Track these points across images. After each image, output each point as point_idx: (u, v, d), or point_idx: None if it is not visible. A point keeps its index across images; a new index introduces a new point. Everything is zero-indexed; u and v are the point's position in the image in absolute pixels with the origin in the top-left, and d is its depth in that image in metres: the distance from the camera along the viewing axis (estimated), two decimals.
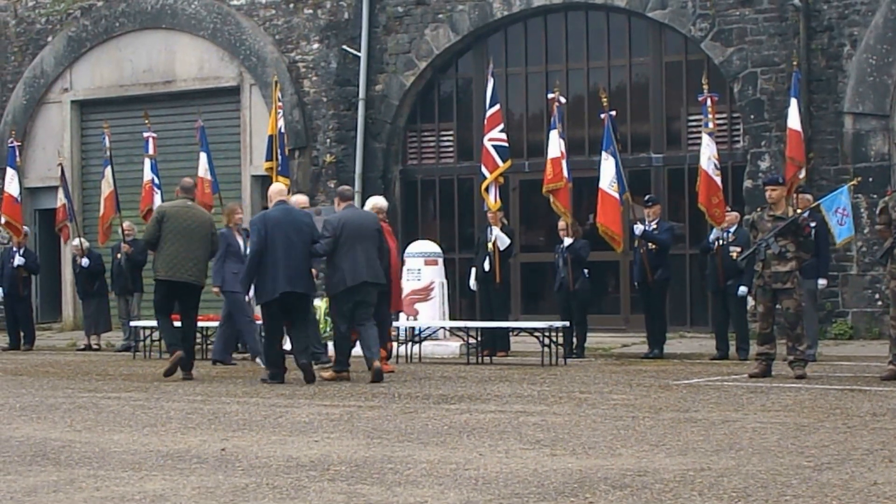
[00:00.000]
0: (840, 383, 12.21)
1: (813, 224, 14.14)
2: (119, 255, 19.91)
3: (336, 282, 13.13)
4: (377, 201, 14.78)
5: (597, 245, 17.75)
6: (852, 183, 15.28)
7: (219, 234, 14.43)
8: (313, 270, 13.62)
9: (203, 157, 19.58)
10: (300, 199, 14.59)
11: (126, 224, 19.99)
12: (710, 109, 16.55)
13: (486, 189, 17.18)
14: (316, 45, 22.38)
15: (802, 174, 16.68)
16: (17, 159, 22.12)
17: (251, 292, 14.15)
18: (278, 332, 13.26)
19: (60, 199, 21.36)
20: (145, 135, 20.12)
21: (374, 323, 13.24)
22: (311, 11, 22.43)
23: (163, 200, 19.68)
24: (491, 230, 16.98)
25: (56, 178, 24.30)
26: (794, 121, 16.69)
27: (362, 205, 17.04)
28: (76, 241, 20.37)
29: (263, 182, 21.84)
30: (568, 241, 16.72)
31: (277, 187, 13.79)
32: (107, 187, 20.28)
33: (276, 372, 13.01)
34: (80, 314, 22.80)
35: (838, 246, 16.07)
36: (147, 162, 19.91)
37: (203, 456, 7.71)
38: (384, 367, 13.37)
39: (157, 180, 19.70)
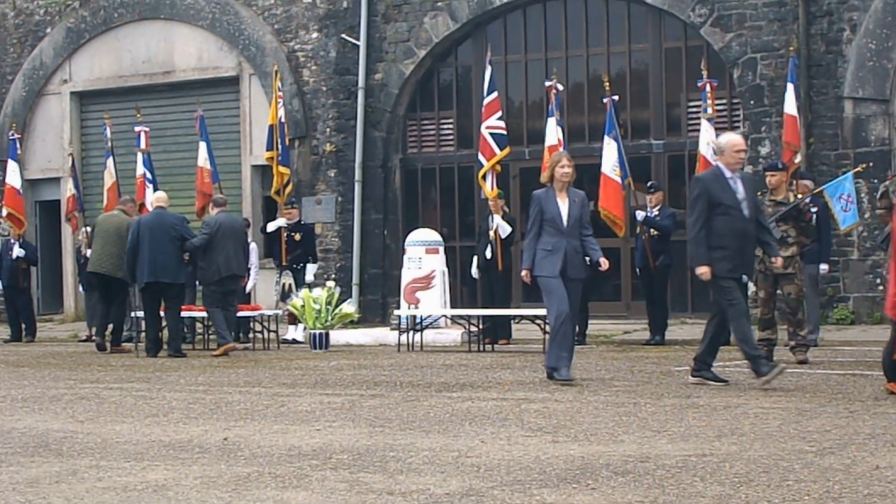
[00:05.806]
0: (842, 368, 12.21)
1: (814, 209, 14.12)
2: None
3: (211, 273, 15.79)
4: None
5: (598, 231, 17.67)
6: (857, 169, 15.24)
7: None
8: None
9: (203, 146, 19.54)
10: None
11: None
12: (709, 95, 16.54)
13: (484, 177, 17.19)
14: (315, 35, 22.35)
15: (798, 158, 16.66)
16: (18, 151, 22.12)
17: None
18: (154, 313, 15.77)
19: (70, 189, 21.32)
20: (136, 129, 20.00)
21: (235, 309, 16.26)
22: (309, 0, 22.39)
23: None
24: (492, 218, 16.97)
25: (55, 169, 24.31)
26: (790, 106, 16.67)
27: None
28: (84, 231, 20.28)
29: (263, 172, 21.86)
30: None
31: (157, 195, 16.63)
32: (109, 178, 20.24)
33: (152, 346, 15.67)
34: (81, 305, 22.82)
35: (843, 232, 16.06)
36: (139, 156, 19.81)
37: (205, 445, 7.71)
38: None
39: (149, 175, 19.62)
